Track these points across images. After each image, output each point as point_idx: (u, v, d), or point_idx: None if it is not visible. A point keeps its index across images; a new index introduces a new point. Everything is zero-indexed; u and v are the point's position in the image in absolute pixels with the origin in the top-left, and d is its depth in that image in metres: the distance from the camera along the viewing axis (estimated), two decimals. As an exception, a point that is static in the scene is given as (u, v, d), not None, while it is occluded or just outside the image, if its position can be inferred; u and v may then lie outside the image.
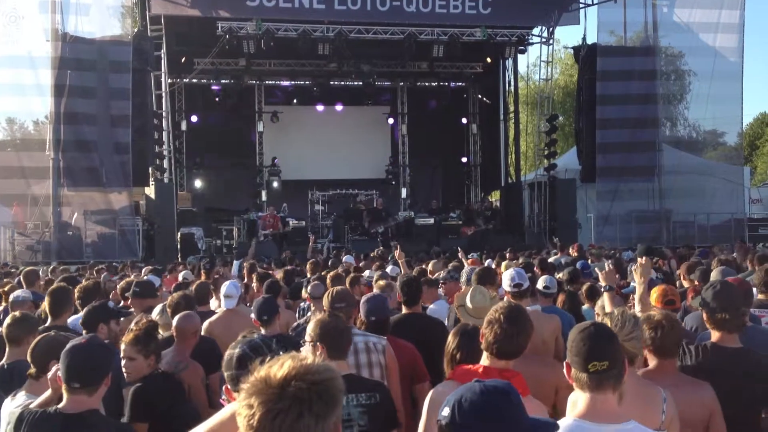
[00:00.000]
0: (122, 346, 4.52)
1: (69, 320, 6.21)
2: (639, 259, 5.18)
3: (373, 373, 4.71)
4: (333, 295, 5.05)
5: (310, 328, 4.06)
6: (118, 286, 8.49)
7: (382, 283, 7.35)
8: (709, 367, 4.13)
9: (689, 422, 3.65)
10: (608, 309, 4.90)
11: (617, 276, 6.60)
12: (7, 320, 4.96)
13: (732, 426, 3.93)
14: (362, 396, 3.89)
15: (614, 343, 2.94)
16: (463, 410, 2.12)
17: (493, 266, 10.39)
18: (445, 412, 2.13)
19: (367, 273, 9.96)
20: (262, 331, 5.45)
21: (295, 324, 6.51)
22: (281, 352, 2.49)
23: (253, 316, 5.78)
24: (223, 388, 2.80)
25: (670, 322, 3.97)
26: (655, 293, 5.25)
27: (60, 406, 3.52)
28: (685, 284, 7.90)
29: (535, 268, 9.34)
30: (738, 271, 8.37)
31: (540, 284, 7.15)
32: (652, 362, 3.94)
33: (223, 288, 7.11)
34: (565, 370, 2.94)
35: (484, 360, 3.67)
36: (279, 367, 1.77)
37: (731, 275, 6.51)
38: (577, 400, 2.87)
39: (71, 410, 3.47)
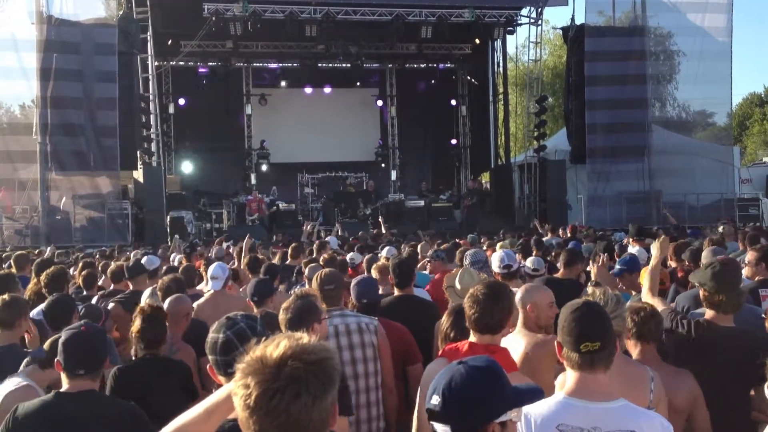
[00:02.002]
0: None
1: (32, 312, 5.75)
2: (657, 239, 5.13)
3: (366, 353, 4.74)
4: (322, 277, 5.05)
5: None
6: (108, 270, 8.45)
7: (381, 263, 7.40)
8: (700, 344, 4.15)
9: (676, 409, 3.69)
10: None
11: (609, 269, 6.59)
12: None
13: (720, 403, 3.97)
14: None
15: (606, 323, 2.94)
16: (453, 394, 2.13)
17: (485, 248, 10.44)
18: (435, 400, 2.14)
19: (350, 254, 9.98)
20: (255, 311, 5.47)
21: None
22: (267, 333, 2.48)
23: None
24: (207, 367, 2.79)
25: (650, 309, 4.01)
26: (644, 273, 5.26)
27: (61, 390, 3.56)
28: (672, 264, 7.94)
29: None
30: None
31: (528, 265, 7.19)
32: (635, 350, 3.96)
33: (210, 270, 7.09)
34: (556, 350, 2.94)
35: (471, 337, 3.71)
36: (275, 347, 1.77)
37: (721, 255, 6.55)
38: (567, 378, 2.89)
39: (72, 390, 3.53)
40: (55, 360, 3.61)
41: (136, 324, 4.48)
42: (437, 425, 2.14)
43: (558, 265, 7.97)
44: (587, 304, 3.00)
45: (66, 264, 10.66)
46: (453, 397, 2.12)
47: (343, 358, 4.52)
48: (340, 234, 17.93)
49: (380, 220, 19.75)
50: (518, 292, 4.39)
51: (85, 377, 3.56)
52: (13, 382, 3.96)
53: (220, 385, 2.65)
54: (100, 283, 8.56)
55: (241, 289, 7.66)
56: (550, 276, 7.25)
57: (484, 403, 2.15)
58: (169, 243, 18.75)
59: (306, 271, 7.27)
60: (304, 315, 4.02)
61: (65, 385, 3.56)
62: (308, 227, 17.91)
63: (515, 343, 4.14)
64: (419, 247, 10.66)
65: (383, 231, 17.69)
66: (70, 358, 3.55)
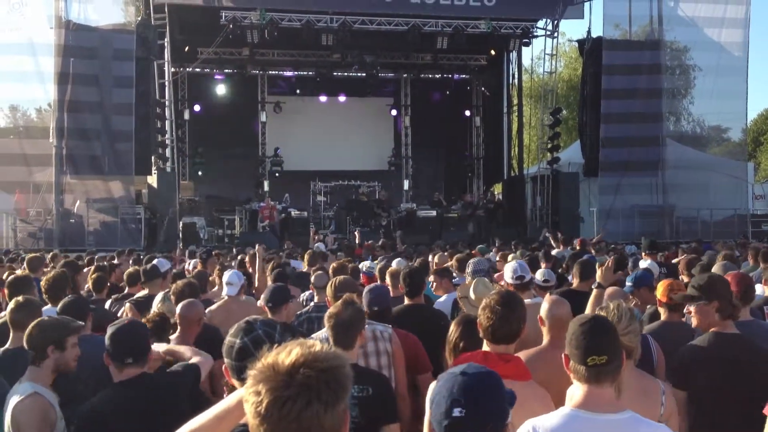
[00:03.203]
0: None
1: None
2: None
3: (381, 361, 4.74)
4: (336, 285, 5.07)
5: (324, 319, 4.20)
6: (124, 274, 8.49)
7: (393, 268, 7.38)
8: (706, 352, 4.15)
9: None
10: (588, 310, 4.86)
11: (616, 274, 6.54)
12: (11, 305, 4.97)
13: (730, 410, 3.96)
14: (354, 388, 3.90)
15: (613, 337, 2.97)
16: (478, 402, 2.18)
17: (497, 258, 10.42)
18: (457, 412, 2.15)
19: (367, 263, 9.98)
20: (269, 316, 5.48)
21: (298, 313, 6.51)
22: (286, 339, 2.48)
23: (261, 302, 5.84)
24: (222, 368, 2.81)
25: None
26: (660, 288, 5.24)
27: (116, 382, 3.83)
28: (685, 279, 7.90)
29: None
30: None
31: (539, 277, 7.16)
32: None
33: (226, 275, 7.12)
34: (563, 362, 2.95)
35: (485, 347, 3.71)
36: (287, 354, 1.76)
37: (733, 270, 6.52)
38: (574, 391, 2.90)
39: (124, 378, 3.81)
40: (104, 354, 3.86)
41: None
42: None
43: (571, 277, 7.94)
44: (595, 318, 3.03)
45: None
46: (479, 405, 2.17)
47: None
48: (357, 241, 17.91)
49: (396, 235, 19.72)
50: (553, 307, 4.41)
51: (134, 365, 3.81)
52: (19, 393, 4.00)
53: (232, 388, 2.67)
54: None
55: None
56: (569, 288, 7.23)
57: (501, 406, 2.22)
58: (181, 248, 18.83)
59: (312, 278, 7.24)
60: (355, 322, 4.11)
61: (117, 376, 3.81)
62: (318, 236, 17.93)
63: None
64: (437, 257, 10.62)
65: (398, 244, 17.72)
66: (118, 348, 3.81)
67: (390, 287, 6.61)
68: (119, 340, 3.83)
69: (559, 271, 9.38)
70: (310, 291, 7.60)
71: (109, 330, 3.90)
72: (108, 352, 3.81)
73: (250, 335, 2.74)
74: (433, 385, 3.49)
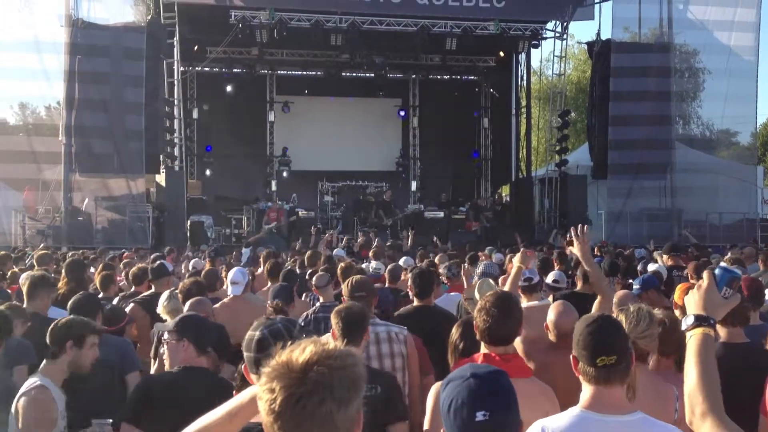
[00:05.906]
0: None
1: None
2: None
3: (395, 362, 4.74)
4: (353, 284, 5.07)
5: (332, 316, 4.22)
6: (129, 272, 8.50)
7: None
8: (720, 366, 4.11)
9: None
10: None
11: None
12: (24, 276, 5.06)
13: (745, 423, 3.92)
14: None
15: (622, 336, 2.93)
16: (501, 404, 2.16)
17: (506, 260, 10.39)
18: (481, 415, 2.12)
19: (373, 264, 9.96)
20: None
21: (305, 314, 6.50)
22: (303, 337, 2.49)
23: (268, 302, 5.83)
24: (242, 367, 2.82)
25: (672, 322, 3.98)
26: (678, 291, 5.23)
27: (200, 366, 3.96)
28: (694, 283, 7.85)
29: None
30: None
31: (549, 279, 7.14)
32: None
33: (230, 274, 7.11)
34: (572, 363, 2.93)
35: (483, 348, 3.68)
36: (301, 351, 1.76)
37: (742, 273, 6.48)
38: (583, 392, 2.88)
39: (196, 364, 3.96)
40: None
41: None
42: None
43: (576, 279, 7.91)
44: (603, 318, 2.98)
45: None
46: (500, 406, 2.16)
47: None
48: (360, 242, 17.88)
49: (407, 233, 19.69)
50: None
51: (206, 356, 3.99)
52: (28, 383, 4.06)
53: (242, 386, 2.68)
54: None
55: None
56: (572, 291, 7.20)
57: (516, 405, 2.21)
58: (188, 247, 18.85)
59: (314, 280, 7.19)
60: (363, 319, 4.15)
61: (191, 360, 3.93)
62: (327, 236, 17.91)
63: None
64: (437, 258, 10.59)
65: (408, 244, 17.68)
66: (207, 336, 4.02)
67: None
68: (210, 330, 4.03)
69: (569, 273, 9.35)
70: (312, 293, 7.54)
71: (197, 317, 4.10)
72: (191, 333, 3.92)
73: (270, 327, 2.76)
74: (436, 391, 3.47)
